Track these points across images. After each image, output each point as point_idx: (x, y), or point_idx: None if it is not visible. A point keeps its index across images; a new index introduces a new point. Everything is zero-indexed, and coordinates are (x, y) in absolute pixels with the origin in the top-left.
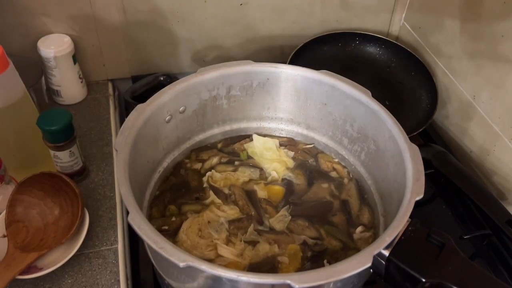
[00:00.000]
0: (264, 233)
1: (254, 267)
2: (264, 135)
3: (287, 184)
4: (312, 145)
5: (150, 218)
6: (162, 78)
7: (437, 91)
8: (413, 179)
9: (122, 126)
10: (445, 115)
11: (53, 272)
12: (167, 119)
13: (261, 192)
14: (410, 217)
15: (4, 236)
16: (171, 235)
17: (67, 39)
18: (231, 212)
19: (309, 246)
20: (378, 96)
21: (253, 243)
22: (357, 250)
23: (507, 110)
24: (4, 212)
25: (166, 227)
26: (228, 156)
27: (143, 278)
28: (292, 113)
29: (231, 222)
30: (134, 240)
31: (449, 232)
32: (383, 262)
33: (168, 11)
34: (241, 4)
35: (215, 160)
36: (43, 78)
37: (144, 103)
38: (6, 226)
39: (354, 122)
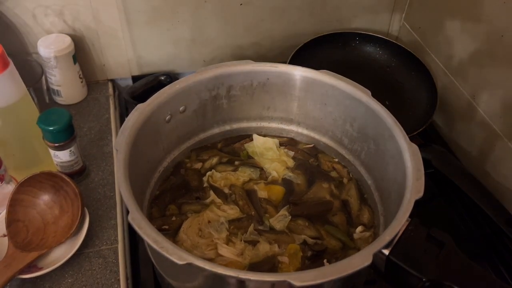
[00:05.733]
0: (264, 232)
1: (254, 267)
2: (264, 135)
3: (287, 184)
4: (312, 145)
5: (150, 217)
6: (162, 78)
7: (437, 91)
8: (413, 178)
9: (122, 126)
10: (445, 115)
11: (53, 271)
12: (167, 119)
13: (261, 192)
14: (410, 216)
15: (4, 236)
16: (171, 234)
17: (67, 39)
18: (231, 211)
19: (309, 245)
20: (378, 96)
21: (253, 243)
22: (357, 249)
23: (507, 110)
24: (5, 211)
25: (166, 227)
26: (228, 156)
27: (143, 277)
28: (292, 113)
29: (231, 221)
30: (134, 240)
31: (449, 232)
32: (383, 261)
33: (168, 11)
34: (241, 4)
35: (215, 160)
36: (43, 78)
37: (144, 103)
38: (6, 226)
39: (354, 122)
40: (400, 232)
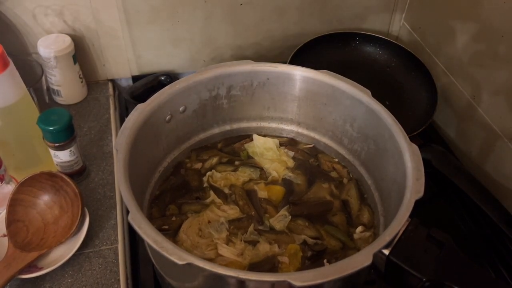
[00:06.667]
0: (264, 232)
1: (254, 267)
2: (264, 135)
3: (287, 184)
4: (312, 145)
5: (150, 217)
6: (162, 78)
7: (437, 91)
8: (413, 178)
9: (122, 126)
10: (445, 115)
11: (53, 271)
12: (167, 119)
13: (261, 192)
14: (410, 216)
15: (4, 236)
16: (171, 234)
17: (67, 39)
18: (231, 212)
19: (309, 245)
20: (378, 96)
21: (253, 243)
22: (357, 249)
23: (507, 110)
24: (5, 211)
25: (166, 227)
26: (228, 156)
27: (143, 277)
28: (292, 113)
29: (231, 221)
30: (134, 240)
31: (449, 232)
32: (383, 261)
33: (168, 11)
34: (241, 4)
35: (215, 160)
36: (43, 78)
37: (144, 103)
38: (6, 226)
39: (354, 122)
40: (400, 232)
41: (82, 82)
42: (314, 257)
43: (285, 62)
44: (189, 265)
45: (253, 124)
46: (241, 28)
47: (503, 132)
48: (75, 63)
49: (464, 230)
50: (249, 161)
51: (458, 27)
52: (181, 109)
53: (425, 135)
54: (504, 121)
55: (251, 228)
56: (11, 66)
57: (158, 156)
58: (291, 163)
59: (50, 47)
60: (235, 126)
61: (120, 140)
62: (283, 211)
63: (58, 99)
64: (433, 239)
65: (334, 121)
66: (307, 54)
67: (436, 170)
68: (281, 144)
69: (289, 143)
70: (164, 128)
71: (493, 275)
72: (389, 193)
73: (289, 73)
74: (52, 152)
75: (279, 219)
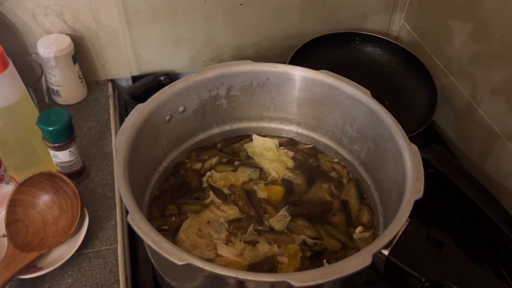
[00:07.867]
0: (264, 233)
1: (254, 267)
2: (264, 135)
3: (287, 184)
4: (312, 145)
5: (150, 218)
6: (162, 78)
7: (437, 91)
8: (413, 178)
9: (122, 126)
10: (445, 115)
11: (52, 271)
12: (167, 119)
13: (261, 192)
14: (410, 217)
15: (4, 236)
16: (171, 235)
17: (67, 39)
18: (231, 212)
19: (308, 246)
20: (378, 96)
21: (252, 243)
22: (356, 250)
23: (507, 110)
24: (4, 211)
25: (166, 227)
26: (228, 156)
27: (143, 278)
28: (292, 113)
29: (230, 222)
30: (133, 240)
31: (449, 232)
32: (383, 262)
33: (168, 11)
34: (241, 4)
35: (215, 160)
36: (43, 78)
37: (144, 103)
38: (6, 226)
39: (354, 122)
40: (400, 233)
41: (82, 82)
42: (314, 258)
43: (285, 62)
44: (189, 265)
45: (253, 124)
46: (241, 28)
47: (503, 132)
48: (74, 63)
49: (464, 230)
50: (248, 161)
51: (458, 27)
52: (180, 109)
53: (425, 135)
54: (504, 121)
55: (250, 229)
56: (11, 66)
57: (158, 156)
58: (290, 163)
59: (50, 47)
60: (235, 126)
61: (119, 140)
62: (283, 211)
63: (58, 99)
64: (433, 239)
65: (333, 121)
66: (307, 54)
67: (436, 170)
68: (280, 144)
69: (289, 143)
70: (163, 128)
71: (493, 275)
72: (389, 193)
73: (289, 73)
74: (51, 152)
75: (279, 219)
